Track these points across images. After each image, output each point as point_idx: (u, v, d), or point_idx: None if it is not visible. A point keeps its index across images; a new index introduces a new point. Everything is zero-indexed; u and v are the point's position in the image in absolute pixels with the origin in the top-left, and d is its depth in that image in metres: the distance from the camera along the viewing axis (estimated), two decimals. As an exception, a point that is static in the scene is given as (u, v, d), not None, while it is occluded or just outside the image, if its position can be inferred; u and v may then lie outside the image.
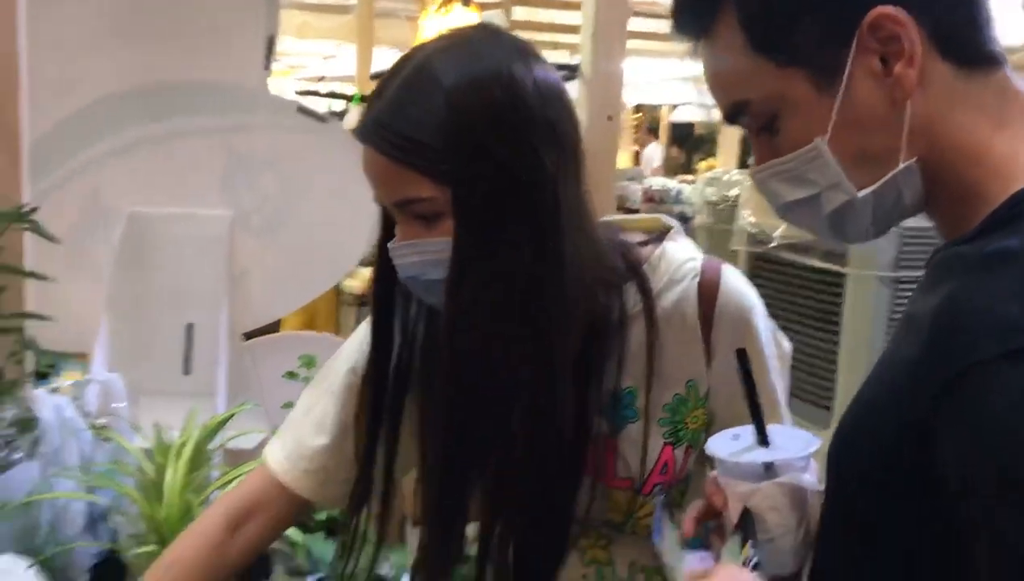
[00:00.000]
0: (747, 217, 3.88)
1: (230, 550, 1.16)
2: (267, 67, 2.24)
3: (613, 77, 2.28)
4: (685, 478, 1.11)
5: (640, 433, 1.05)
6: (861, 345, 2.98)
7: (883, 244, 2.87)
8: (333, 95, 7.11)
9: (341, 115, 5.66)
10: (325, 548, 1.60)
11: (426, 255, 0.93)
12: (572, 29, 5.79)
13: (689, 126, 13.44)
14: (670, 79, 10.34)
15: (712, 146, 10.34)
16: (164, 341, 2.27)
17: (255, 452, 1.60)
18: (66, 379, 1.87)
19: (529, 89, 0.89)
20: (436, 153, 0.88)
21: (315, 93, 7.61)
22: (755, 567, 0.85)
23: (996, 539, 0.64)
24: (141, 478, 1.65)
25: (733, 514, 0.88)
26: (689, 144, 13.64)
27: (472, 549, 1.04)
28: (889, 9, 0.73)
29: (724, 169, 5.92)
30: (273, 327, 2.75)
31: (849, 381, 3.01)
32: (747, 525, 0.87)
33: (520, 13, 6.56)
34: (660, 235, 1.08)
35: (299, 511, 1.22)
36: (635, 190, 7.67)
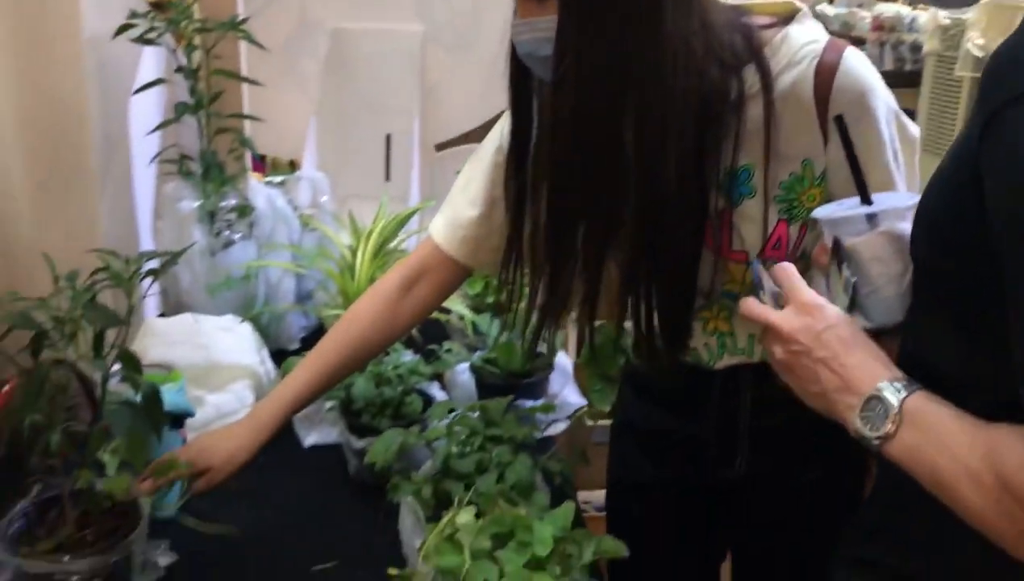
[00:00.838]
0: (974, 40, 3.57)
1: (402, 308, 1.34)
2: None
3: None
4: (800, 257, 1.15)
5: (756, 209, 1.10)
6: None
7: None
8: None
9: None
10: (492, 326, 1.77)
11: (537, 32, 1.01)
12: None
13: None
14: None
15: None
16: (366, 149, 2.48)
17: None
18: (278, 175, 2.10)
19: None
20: None
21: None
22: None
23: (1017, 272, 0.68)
24: (339, 261, 1.88)
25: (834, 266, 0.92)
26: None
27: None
28: None
29: (962, -11, 5.38)
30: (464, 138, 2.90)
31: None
32: (849, 273, 0.90)
33: None
34: (788, 18, 1.09)
35: (459, 275, 1.37)
36: (863, 17, 7.13)
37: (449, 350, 1.73)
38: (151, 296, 1.92)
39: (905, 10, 7.61)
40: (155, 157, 1.98)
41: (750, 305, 0.94)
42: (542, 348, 1.74)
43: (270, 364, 1.75)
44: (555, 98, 1.01)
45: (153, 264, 1.10)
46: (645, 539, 1.24)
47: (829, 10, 5.06)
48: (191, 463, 1.22)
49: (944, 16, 4.25)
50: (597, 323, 2.07)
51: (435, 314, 1.58)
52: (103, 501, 1.14)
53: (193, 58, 1.87)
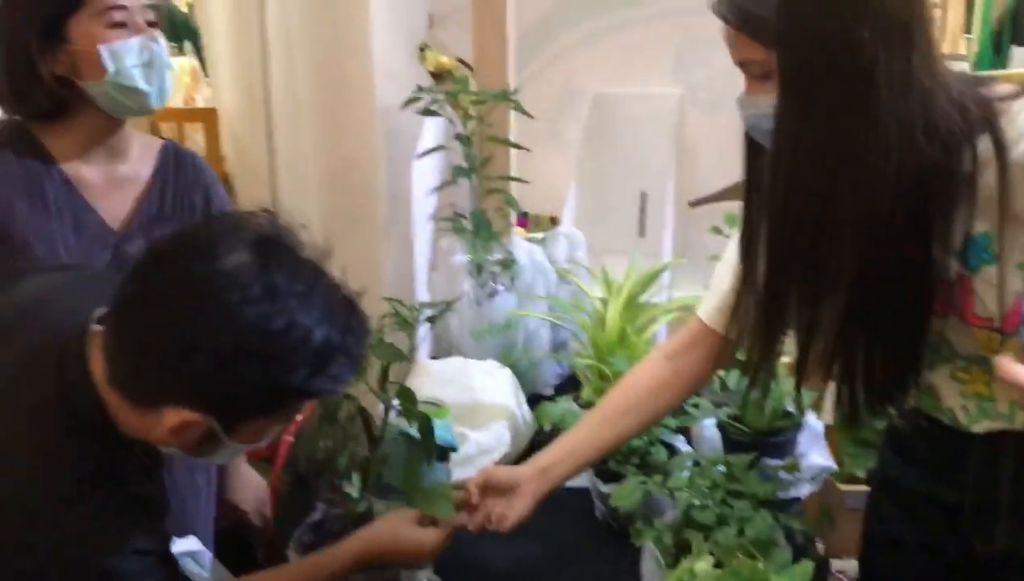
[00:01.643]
0: None
1: (673, 380, 1.40)
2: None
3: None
4: None
5: (997, 276, 1.08)
6: None
7: None
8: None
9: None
10: (740, 383, 1.80)
11: (760, 108, 1.07)
12: None
13: None
14: None
15: None
16: (621, 206, 2.59)
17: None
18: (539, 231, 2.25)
19: None
20: (766, 24, 1.02)
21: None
22: None
23: None
24: (592, 313, 1.98)
25: None
26: None
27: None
28: None
29: None
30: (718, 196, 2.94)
31: None
32: None
33: None
34: None
35: (724, 348, 1.38)
36: None
37: (696, 405, 1.78)
38: (424, 339, 2.13)
39: None
40: (433, 215, 2.19)
41: (1005, 365, 0.92)
42: (791, 407, 1.75)
43: (525, 407, 1.88)
44: (772, 169, 1.07)
45: (429, 312, 1.25)
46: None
47: None
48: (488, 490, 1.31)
49: None
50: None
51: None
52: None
53: (468, 126, 2.07)
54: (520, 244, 2.11)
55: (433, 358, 2.12)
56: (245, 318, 0.89)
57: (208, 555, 1.21)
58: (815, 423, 1.90)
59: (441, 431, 1.48)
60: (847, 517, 1.52)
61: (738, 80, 1.13)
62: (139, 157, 1.39)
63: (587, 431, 1.38)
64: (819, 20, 1.00)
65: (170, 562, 1.03)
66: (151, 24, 1.30)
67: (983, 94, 1.06)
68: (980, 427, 1.21)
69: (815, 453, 1.80)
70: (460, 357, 1.97)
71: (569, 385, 2.05)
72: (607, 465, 1.57)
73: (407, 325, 1.23)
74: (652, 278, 1.98)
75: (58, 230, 1.27)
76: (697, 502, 1.34)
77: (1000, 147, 1.03)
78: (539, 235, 2.23)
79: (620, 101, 2.55)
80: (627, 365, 1.72)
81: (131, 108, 1.30)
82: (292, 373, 0.91)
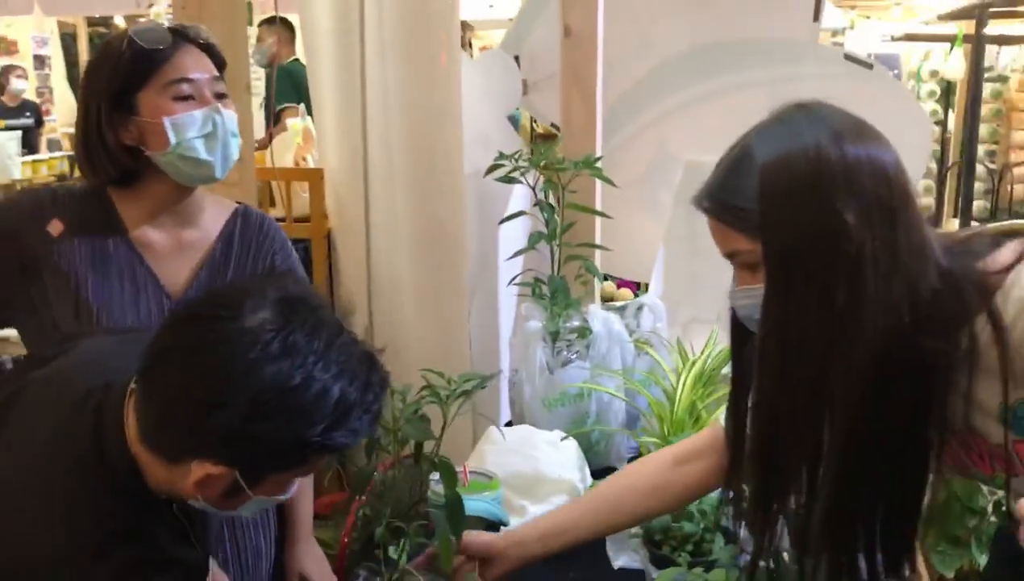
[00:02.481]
0: None
1: (673, 480, 1.37)
2: (816, 19, 2.32)
3: None
4: None
5: None
6: None
7: None
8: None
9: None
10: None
11: (751, 298, 1.06)
12: None
13: None
14: None
15: None
16: (711, 276, 2.52)
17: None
18: (619, 301, 2.22)
19: (834, 163, 0.98)
20: (748, 215, 1.02)
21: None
22: None
23: None
24: (667, 388, 1.93)
25: None
26: None
27: None
28: None
29: None
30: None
31: None
32: None
33: None
34: None
35: None
36: None
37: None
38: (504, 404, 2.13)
39: None
40: (512, 280, 2.20)
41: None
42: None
43: (589, 481, 1.84)
44: (762, 352, 1.06)
45: (468, 385, 1.25)
46: None
47: None
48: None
49: None
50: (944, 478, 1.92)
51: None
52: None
53: (549, 193, 2.08)
54: (597, 313, 2.08)
55: (508, 424, 2.11)
56: (265, 374, 0.92)
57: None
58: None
59: (489, 505, 1.47)
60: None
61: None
62: (209, 221, 1.44)
63: (574, 515, 1.37)
64: (800, 208, 1.00)
65: None
66: (220, 96, 1.37)
67: (976, 270, 1.03)
68: None
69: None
70: (528, 426, 1.96)
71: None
72: (660, 550, 1.52)
73: (441, 400, 1.23)
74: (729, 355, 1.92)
75: (119, 296, 1.34)
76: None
77: (998, 330, 1.00)
78: (618, 304, 2.20)
79: (712, 168, 2.50)
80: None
81: (196, 177, 1.37)
82: (311, 428, 0.94)
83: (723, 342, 1.97)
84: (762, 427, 1.11)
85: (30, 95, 8.20)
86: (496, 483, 1.55)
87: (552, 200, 2.13)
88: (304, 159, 3.19)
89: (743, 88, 2.44)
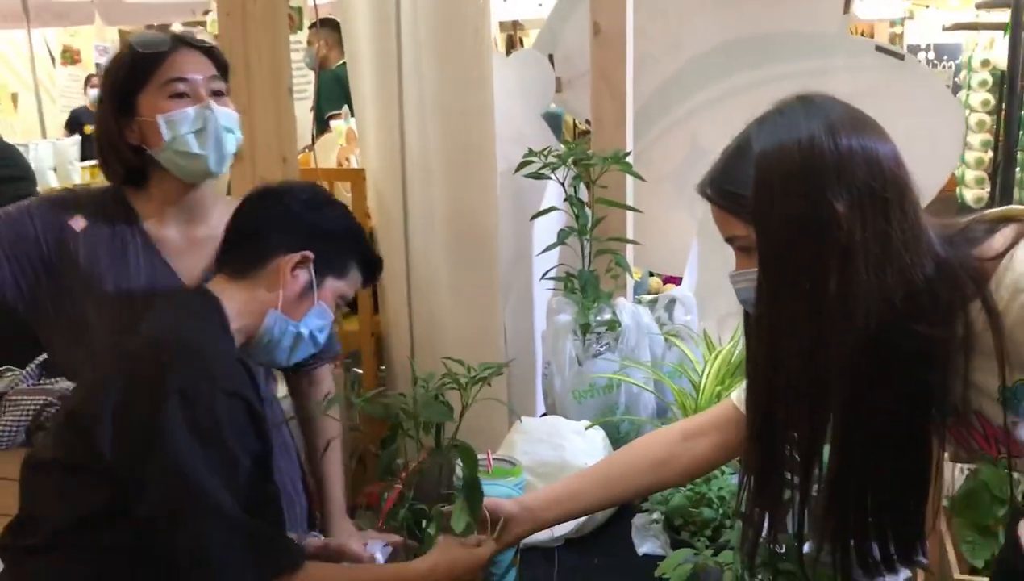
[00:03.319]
0: None
1: (679, 456, 1.39)
2: (846, 11, 2.32)
3: None
4: None
5: None
6: None
7: None
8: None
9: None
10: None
11: (748, 281, 1.09)
12: None
13: None
14: None
15: None
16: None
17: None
18: (649, 293, 2.25)
19: (826, 153, 1.01)
20: (744, 201, 1.06)
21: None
22: None
23: None
24: (695, 379, 1.96)
25: None
26: None
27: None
28: None
29: None
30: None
31: None
32: None
33: None
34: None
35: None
36: None
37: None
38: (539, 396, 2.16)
39: None
40: (544, 274, 2.24)
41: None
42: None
43: (616, 470, 1.88)
44: (756, 334, 1.11)
45: (487, 372, 1.30)
46: None
47: None
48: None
49: None
50: (974, 466, 1.91)
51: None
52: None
53: (579, 188, 2.12)
54: (626, 306, 2.11)
55: (544, 415, 2.16)
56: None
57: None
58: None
59: (510, 490, 1.52)
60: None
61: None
62: (219, 218, 1.48)
63: (584, 484, 1.41)
64: (791, 196, 1.03)
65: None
66: (217, 93, 1.44)
67: (972, 257, 1.05)
68: None
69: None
70: (558, 417, 2.00)
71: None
72: (680, 536, 1.55)
73: (461, 386, 1.28)
74: (755, 345, 1.94)
75: (137, 285, 1.42)
76: (760, 578, 1.31)
77: (992, 316, 1.02)
78: (648, 297, 2.23)
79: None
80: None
81: (192, 171, 1.44)
82: (351, 220, 1.40)
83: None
84: (757, 407, 1.15)
85: (92, 102, 8.49)
86: (518, 470, 1.60)
87: (584, 196, 2.17)
88: (347, 160, 3.28)
89: (774, 82, 2.44)
